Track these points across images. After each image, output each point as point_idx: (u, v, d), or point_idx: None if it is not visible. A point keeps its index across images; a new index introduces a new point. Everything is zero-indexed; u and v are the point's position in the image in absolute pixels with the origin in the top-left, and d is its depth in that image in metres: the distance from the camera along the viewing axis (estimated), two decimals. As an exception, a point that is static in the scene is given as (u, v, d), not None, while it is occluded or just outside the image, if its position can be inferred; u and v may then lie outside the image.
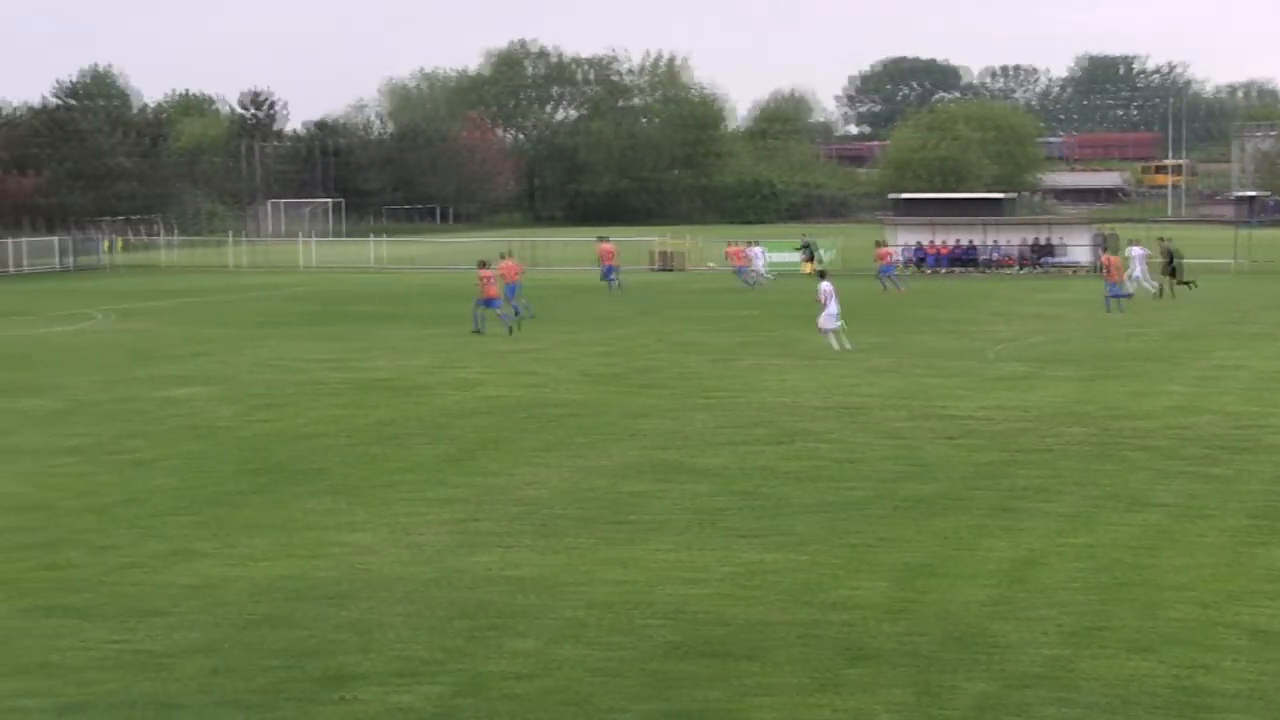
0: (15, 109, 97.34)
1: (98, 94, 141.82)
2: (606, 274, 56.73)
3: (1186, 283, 51.42)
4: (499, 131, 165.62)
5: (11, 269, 79.22)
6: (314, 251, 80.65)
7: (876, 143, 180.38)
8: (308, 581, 15.16)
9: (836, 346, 35.30)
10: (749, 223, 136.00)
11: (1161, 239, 55.25)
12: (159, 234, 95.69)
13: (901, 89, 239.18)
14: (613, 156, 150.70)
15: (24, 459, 22.37)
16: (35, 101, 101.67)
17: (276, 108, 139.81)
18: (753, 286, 58.56)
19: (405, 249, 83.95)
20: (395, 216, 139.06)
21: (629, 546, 16.49)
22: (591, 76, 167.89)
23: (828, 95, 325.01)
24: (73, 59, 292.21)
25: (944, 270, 66.19)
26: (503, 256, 46.17)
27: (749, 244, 63.48)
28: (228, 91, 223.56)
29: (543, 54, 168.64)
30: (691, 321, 43.56)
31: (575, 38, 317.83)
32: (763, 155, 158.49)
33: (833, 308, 35.78)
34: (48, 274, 78.15)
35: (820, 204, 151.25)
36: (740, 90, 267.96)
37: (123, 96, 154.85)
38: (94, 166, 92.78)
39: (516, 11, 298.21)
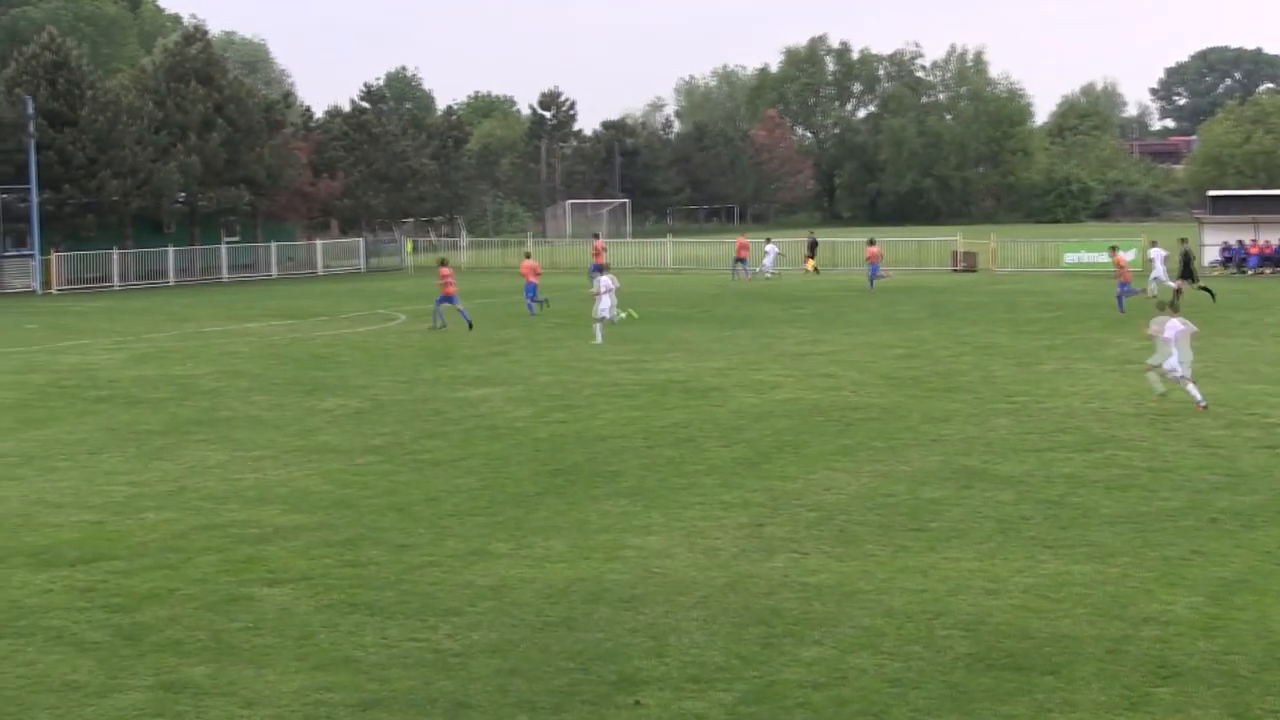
0: (319, 118, 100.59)
1: (402, 96, 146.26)
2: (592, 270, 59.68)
3: (1204, 289, 49.31)
4: (797, 130, 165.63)
5: (320, 270, 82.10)
6: (609, 253, 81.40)
7: (1190, 137, 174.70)
8: (602, 584, 15.13)
9: (599, 340, 38.30)
10: (1056, 221, 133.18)
11: (1182, 240, 55.49)
12: (459, 235, 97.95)
13: (1217, 80, 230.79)
14: (913, 154, 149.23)
15: (329, 457, 22.92)
16: (344, 106, 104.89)
17: (571, 108, 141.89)
18: (735, 278, 64.01)
19: (695, 250, 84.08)
20: (684, 216, 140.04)
21: (927, 554, 16.09)
22: (883, 73, 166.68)
23: (1134, 89, 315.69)
24: (380, 63, 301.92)
25: (1268, 271, 63.71)
26: (527, 257, 51.75)
27: (767, 241, 69.00)
28: (518, 93, 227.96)
29: (843, 50, 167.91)
30: (992, 323, 42.67)
31: (872, 33, 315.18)
32: (1072, 151, 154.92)
33: (605, 302, 39.78)
34: (350, 275, 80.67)
35: (1126, 202, 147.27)
36: (1037, 84, 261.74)
37: (425, 98, 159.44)
38: (395, 169, 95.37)
39: (816, 8, 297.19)
